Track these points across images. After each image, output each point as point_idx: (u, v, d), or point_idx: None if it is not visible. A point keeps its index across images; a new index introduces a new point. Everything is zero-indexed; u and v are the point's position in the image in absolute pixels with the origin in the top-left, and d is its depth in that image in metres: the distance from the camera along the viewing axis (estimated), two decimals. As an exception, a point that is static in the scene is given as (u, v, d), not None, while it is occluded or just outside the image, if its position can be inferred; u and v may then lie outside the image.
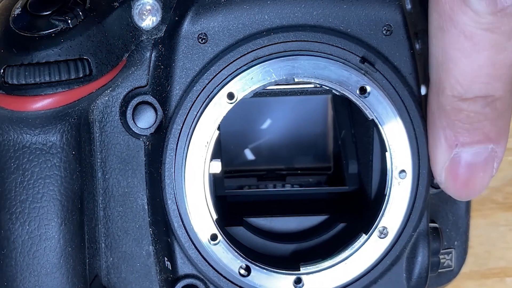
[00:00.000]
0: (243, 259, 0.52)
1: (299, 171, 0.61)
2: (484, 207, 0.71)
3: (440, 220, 0.58)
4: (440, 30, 0.48)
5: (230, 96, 0.51)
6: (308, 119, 0.61)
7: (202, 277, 0.53)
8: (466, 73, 0.48)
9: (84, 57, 0.49)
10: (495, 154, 0.50)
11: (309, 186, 0.59)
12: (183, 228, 0.52)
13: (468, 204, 0.59)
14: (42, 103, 0.48)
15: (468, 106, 0.49)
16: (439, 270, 0.58)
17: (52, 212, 0.50)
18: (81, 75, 0.48)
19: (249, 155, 0.62)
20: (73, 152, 0.50)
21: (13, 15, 0.49)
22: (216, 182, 0.56)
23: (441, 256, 0.58)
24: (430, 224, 0.55)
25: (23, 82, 0.48)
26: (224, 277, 0.53)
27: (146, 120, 0.53)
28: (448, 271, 0.60)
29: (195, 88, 0.51)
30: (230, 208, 0.57)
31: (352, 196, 0.58)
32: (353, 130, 0.58)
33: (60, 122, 0.49)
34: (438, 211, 0.58)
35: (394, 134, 0.52)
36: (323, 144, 0.62)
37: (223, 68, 0.51)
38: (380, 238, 0.53)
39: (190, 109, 0.52)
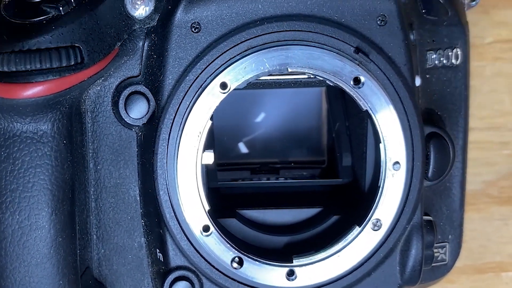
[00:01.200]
0: (236, 251, 0.52)
1: (292, 164, 0.61)
2: (479, 201, 0.70)
3: (434, 213, 0.58)
4: None
5: (223, 86, 0.51)
6: (302, 112, 0.61)
7: (194, 269, 0.53)
8: None
9: (76, 44, 0.48)
10: None
11: (302, 179, 0.59)
12: (175, 219, 0.52)
13: (462, 197, 0.59)
14: (32, 91, 0.47)
15: None
16: (433, 264, 0.58)
17: (43, 202, 0.50)
18: (72, 63, 0.48)
19: (242, 148, 0.62)
20: (64, 142, 0.50)
21: (4, 2, 0.49)
22: (209, 173, 0.56)
23: (435, 250, 0.57)
24: (424, 217, 0.55)
25: (14, 69, 0.47)
26: (216, 269, 0.52)
27: (138, 110, 0.53)
28: (442, 265, 0.59)
29: (187, 78, 0.51)
30: (223, 200, 0.57)
31: (346, 188, 0.57)
32: (347, 123, 0.58)
33: (51, 111, 0.49)
34: (432, 205, 0.58)
35: (388, 125, 0.52)
36: (317, 137, 0.61)
37: (216, 58, 0.51)
38: (374, 230, 0.53)
39: (182, 99, 0.51)
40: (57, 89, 0.48)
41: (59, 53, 0.48)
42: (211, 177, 0.56)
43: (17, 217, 0.50)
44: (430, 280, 0.59)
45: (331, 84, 0.52)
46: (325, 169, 0.60)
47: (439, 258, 0.59)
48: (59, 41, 0.48)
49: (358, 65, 0.51)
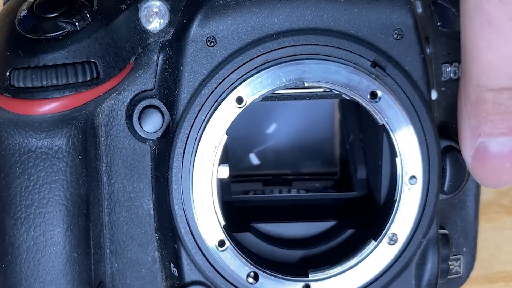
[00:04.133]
0: (251, 266, 0.52)
1: (305, 176, 0.60)
2: (490, 211, 0.70)
3: (448, 226, 0.58)
4: (468, 18, 0.48)
5: (239, 100, 0.51)
6: (315, 124, 0.61)
7: (209, 284, 0.52)
8: (491, 63, 0.48)
9: (92, 60, 0.48)
10: None
11: (315, 191, 0.59)
12: (190, 234, 0.52)
13: (476, 210, 0.59)
14: (49, 107, 0.47)
15: (493, 97, 0.49)
16: (448, 277, 0.57)
17: (58, 218, 0.49)
18: (88, 78, 0.48)
19: (255, 159, 0.61)
20: (79, 157, 0.50)
21: (19, 17, 0.49)
22: (223, 187, 0.56)
23: (449, 263, 0.57)
24: (439, 230, 0.55)
25: (30, 85, 0.47)
26: (232, 284, 0.52)
27: (152, 124, 0.52)
28: (456, 277, 0.59)
29: (203, 92, 0.51)
30: (237, 214, 0.56)
31: (360, 201, 0.57)
32: (361, 135, 0.58)
33: (67, 126, 0.49)
34: (447, 217, 0.58)
35: (405, 139, 0.51)
36: (329, 149, 0.61)
37: (232, 72, 0.51)
38: (390, 244, 0.53)
39: (198, 113, 0.51)
40: (73, 105, 0.48)
41: (75, 69, 0.47)
42: (225, 190, 0.56)
43: (32, 233, 0.49)
44: (444, 292, 0.59)
45: (348, 98, 0.52)
46: (338, 180, 0.60)
47: (453, 271, 0.59)
48: (75, 56, 0.48)
49: (375, 79, 0.51)
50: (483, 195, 0.70)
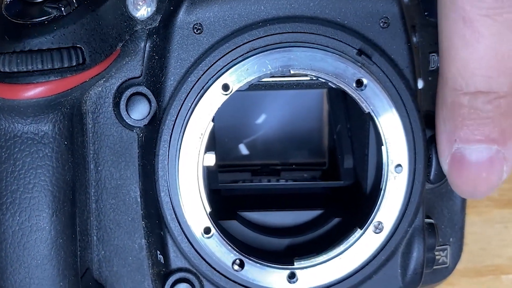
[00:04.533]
0: (237, 253, 0.52)
1: (293, 166, 0.60)
2: (480, 204, 0.70)
3: (435, 216, 0.58)
4: (444, 15, 0.46)
5: (225, 87, 0.51)
6: (304, 114, 0.61)
7: (195, 271, 0.52)
8: (467, 63, 0.46)
9: (78, 45, 0.48)
10: (502, 156, 0.48)
11: (303, 181, 0.59)
12: (176, 221, 0.52)
13: (464, 200, 0.59)
14: (34, 91, 0.47)
15: (468, 101, 0.47)
16: (434, 267, 0.57)
17: (44, 203, 0.49)
18: (74, 64, 0.48)
19: (243, 150, 0.61)
20: (65, 143, 0.50)
21: (5, 2, 0.49)
22: (210, 175, 0.56)
23: (436, 253, 0.57)
24: (425, 219, 0.55)
25: (15, 70, 0.47)
26: (217, 271, 0.52)
27: (139, 112, 0.52)
28: (443, 268, 0.59)
29: (189, 79, 0.51)
30: (224, 202, 0.57)
31: (347, 191, 0.57)
32: (349, 125, 0.58)
33: (52, 112, 0.49)
34: (434, 207, 0.58)
35: (390, 127, 0.52)
36: (318, 139, 0.61)
37: (218, 59, 0.51)
38: (375, 233, 0.53)
39: (184, 100, 0.51)
40: (59, 90, 0.48)
41: (60, 54, 0.47)
42: (212, 178, 0.56)
43: (18, 218, 0.49)
44: (431, 283, 0.59)
45: (333, 86, 0.52)
46: (326, 171, 0.60)
47: (440, 261, 0.59)
48: (61, 41, 0.48)
49: (361, 67, 0.51)
50: (472, 188, 0.70)
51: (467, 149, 0.48)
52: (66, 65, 0.48)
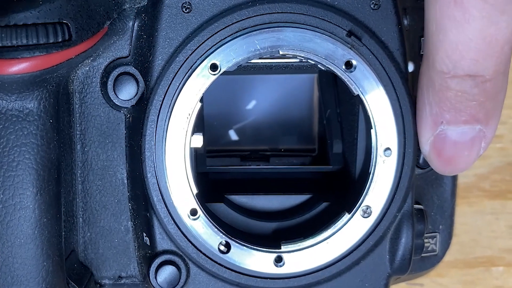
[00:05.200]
0: (223, 235, 0.51)
1: (283, 151, 0.60)
2: (471, 195, 0.70)
3: (425, 203, 0.57)
4: None
5: (213, 67, 0.50)
6: (294, 100, 0.60)
7: (180, 253, 0.52)
8: (456, 46, 0.46)
9: (64, 21, 0.47)
10: (483, 135, 0.49)
11: (292, 165, 0.58)
12: (163, 203, 0.51)
13: (454, 187, 0.59)
14: (18, 67, 0.47)
15: (456, 84, 0.47)
16: (423, 255, 0.57)
17: (28, 181, 0.49)
18: (60, 40, 0.47)
19: (233, 135, 0.61)
20: (51, 121, 0.49)
21: (-9, -24, 0.48)
22: (198, 158, 0.55)
23: (425, 240, 0.57)
24: (415, 205, 0.54)
25: (0, 45, 0.47)
26: (203, 254, 0.52)
27: (127, 92, 0.52)
28: (432, 255, 0.59)
29: (177, 58, 0.50)
30: (212, 185, 0.56)
31: (336, 175, 0.57)
32: (339, 109, 0.57)
33: (38, 89, 0.48)
34: (424, 194, 0.57)
35: (380, 110, 0.51)
36: (308, 126, 0.61)
37: (207, 39, 0.50)
38: (364, 217, 0.52)
39: (172, 80, 0.50)
40: (44, 66, 0.47)
41: (46, 29, 0.47)
42: (200, 161, 0.55)
43: (1, 196, 0.49)
44: (420, 270, 0.59)
45: (323, 68, 0.51)
46: (316, 157, 0.60)
47: (429, 249, 0.58)
48: (47, 17, 0.47)
49: (351, 48, 0.50)
50: (464, 179, 0.70)
51: (452, 130, 0.49)
52: (51, 41, 0.47)
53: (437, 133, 0.49)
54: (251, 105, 0.61)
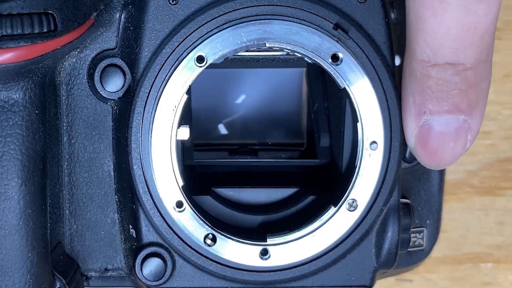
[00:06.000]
0: (209, 228, 0.51)
1: (271, 146, 0.60)
2: (460, 191, 0.70)
3: (412, 197, 0.57)
4: None
5: (200, 59, 0.50)
6: (283, 94, 0.60)
7: (166, 245, 0.52)
8: (435, 35, 0.46)
9: (49, 11, 0.47)
10: (468, 126, 0.49)
11: (280, 159, 0.58)
12: (148, 194, 0.51)
13: (441, 182, 0.59)
14: (3, 57, 0.46)
15: (437, 73, 0.47)
16: (410, 249, 0.57)
17: (13, 172, 0.49)
18: (45, 30, 0.47)
19: (221, 129, 0.61)
20: (36, 112, 0.49)
21: (-25, -34, 0.48)
22: (185, 151, 0.55)
23: (412, 235, 0.57)
24: (401, 199, 0.54)
25: None
26: (189, 246, 0.51)
27: (114, 84, 0.52)
28: (419, 250, 0.59)
29: (164, 50, 0.50)
30: (199, 178, 0.56)
31: (323, 169, 0.57)
32: (326, 103, 0.57)
33: (23, 79, 0.48)
34: (411, 188, 0.57)
35: (366, 104, 0.51)
36: (297, 120, 0.61)
37: (194, 31, 0.50)
38: (350, 211, 0.52)
39: (158, 72, 0.50)
40: (29, 56, 0.47)
41: (31, 19, 0.47)
42: (187, 154, 0.55)
43: (-15, 186, 0.49)
44: (406, 265, 0.59)
45: (309, 61, 0.51)
46: (304, 151, 0.60)
47: (416, 243, 0.58)
48: (32, 7, 0.47)
49: (337, 41, 0.50)
50: (453, 175, 0.70)
51: (436, 120, 0.48)
52: (36, 31, 0.47)
53: (421, 124, 0.49)
54: (240, 99, 0.61)
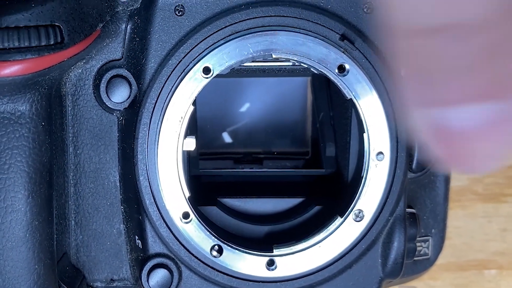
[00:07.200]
0: (215, 239, 0.51)
1: (276, 155, 0.60)
2: (464, 198, 0.70)
3: (417, 207, 0.57)
4: None
5: (206, 70, 0.50)
6: (287, 103, 0.60)
7: (173, 256, 0.52)
8: None
9: (56, 23, 0.47)
10: (503, 114, 0.31)
11: (285, 168, 0.58)
12: (155, 206, 0.51)
13: (446, 191, 0.59)
14: (10, 69, 0.46)
15: (432, 41, 0.30)
16: (416, 258, 0.57)
17: (19, 184, 0.49)
18: (52, 42, 0.47)
19: (226, 138, 0.61)
20: (43, 123, 0.49)
21: (-18, -21, 0.48)
22: (190, 161, 0.55)
23: (417, 244, 0.57)
24: (407, 209, 0.54)
25: None
26: (195, 257, 0.51)
27: (120, 94, 0.52)
28: (424, 259, 0.59)
29: (170, 61, 0.50)
30: (205, 188, 0.56)
31: (329, 179, 0.57)
32: (332, 113, 0.57)
33: (30, 91, 0.48)
34: (416, 198, 0.57)
35: (372, 114, 0.51)
36: (302, 129, 0.61)
37: (200, 42, 0.50)
38: (356, 221, 0.52)
39: (165, 83, 0.50)
40: (36, 69, 0.47)
41: (38, 32, 0.47)
42: (192, 164, 0.55)
43: (-8, 199, 0.49)
44: (412, 274, 0.59)
45: (316, 72, 0.51)
46: (309, 160, 0.60)
47: (421, 252, 0.58)
48: (39, 19, 0.47)
49: (343, 52, 0.50)
50: (457, 182, 0.70)
51: (450, 114, 0.32)
52: (43, 43, 0.47)
53: (432, 123, 0.32)
54: (244, 108, 0.61)
